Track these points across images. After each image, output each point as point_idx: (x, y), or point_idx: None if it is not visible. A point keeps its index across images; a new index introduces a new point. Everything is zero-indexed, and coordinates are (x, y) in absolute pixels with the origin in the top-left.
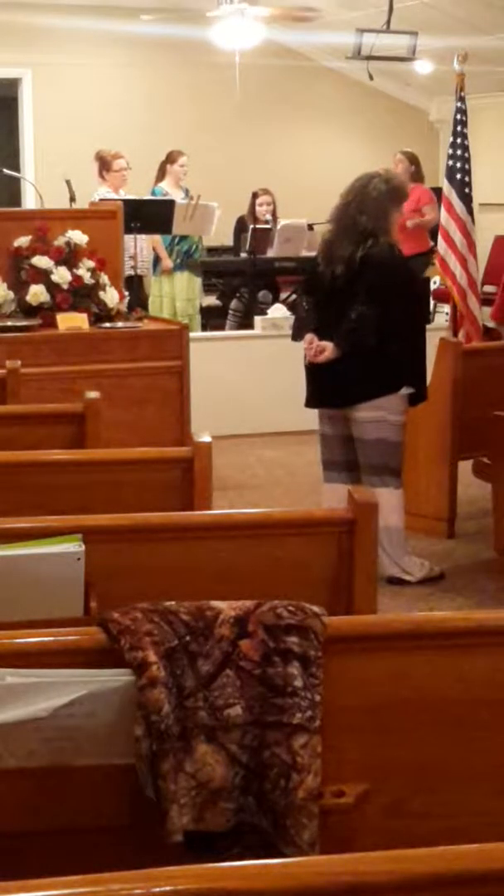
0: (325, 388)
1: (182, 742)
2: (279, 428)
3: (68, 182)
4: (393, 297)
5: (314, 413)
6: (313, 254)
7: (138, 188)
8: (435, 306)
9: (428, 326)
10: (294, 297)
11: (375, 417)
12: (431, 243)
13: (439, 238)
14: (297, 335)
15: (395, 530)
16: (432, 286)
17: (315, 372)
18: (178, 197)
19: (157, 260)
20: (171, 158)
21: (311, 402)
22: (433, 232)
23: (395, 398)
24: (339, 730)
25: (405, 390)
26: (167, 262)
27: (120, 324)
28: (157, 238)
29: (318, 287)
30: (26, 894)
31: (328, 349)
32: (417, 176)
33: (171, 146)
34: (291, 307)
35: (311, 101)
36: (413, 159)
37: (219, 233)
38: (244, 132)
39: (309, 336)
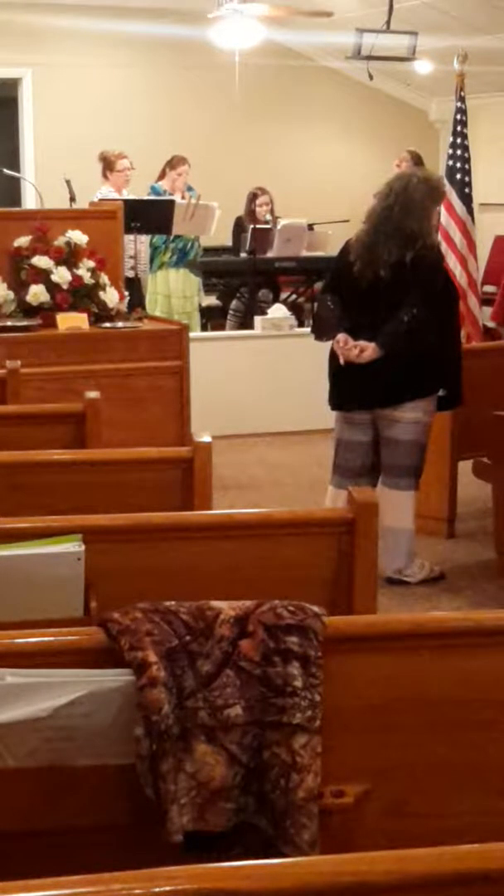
0: (360, 388)
1: (182, 742)
2: (279, 428)
3: (68, 182)
4: (442, 300)
5: (314, 413)
6: (314, 253)
7: (138, 188)
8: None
9: (461, 330)
10: (294, 296)
11: (415, 419)
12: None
13: (439, 238)
14: (323, 334)
15: (407, 532)
16: None
17: (347, 373)
18: (178, 197)
19: (154, 259)
20: (171, 164)
21: (339, 404)
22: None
23: (433, 399)
24: (339, 730)
25: (441, 392)
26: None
27: (120, 324)
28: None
29: (350, 287)
30: (26, 894)
31: (370, 349)
32: None
33: (171, 146)
34: (292, 307)
35: (311, 101)
36: (417, 159)
37: (219, 233)
38: (244, 132)
39: (342, 336)
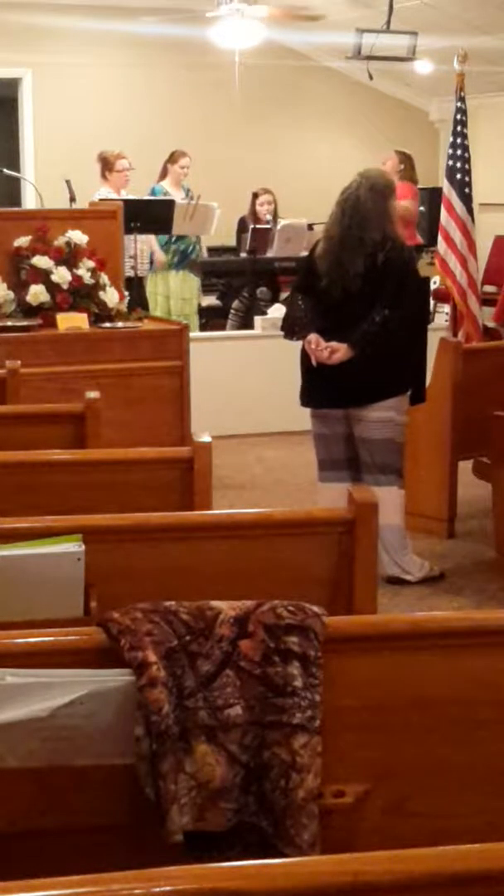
0: (332, 388)
1: (182, 742)
2: (279, 428)
3: (68, 182)
4: (411, 300)
5: None
6: None
7: (138, 188)
8: (435, 306)
9: (428, 326)
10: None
11: (385, 418)
12: (421, 240)
13: (439, 238)
14: (292, 333)
15: (397, 529)
16: (432, 286)
17: (320, 372)
18: (178, 196)
19: (153, 257)
20: (173, 158)
21: (311, 402)
22: (433, 232)
23: (404, 399)
24: (339, 730)
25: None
26: (160, 255)
27: (120, 324)
28: (152, 236)
29: (320, 294)
30: (26, 894)
31: (342, 350)
32: (406, 175)
33: (171, 146)
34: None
35: (311, 101)
36: (404, 159)
37: (219, 233)
38: (244, 132)
39: (313, 337)
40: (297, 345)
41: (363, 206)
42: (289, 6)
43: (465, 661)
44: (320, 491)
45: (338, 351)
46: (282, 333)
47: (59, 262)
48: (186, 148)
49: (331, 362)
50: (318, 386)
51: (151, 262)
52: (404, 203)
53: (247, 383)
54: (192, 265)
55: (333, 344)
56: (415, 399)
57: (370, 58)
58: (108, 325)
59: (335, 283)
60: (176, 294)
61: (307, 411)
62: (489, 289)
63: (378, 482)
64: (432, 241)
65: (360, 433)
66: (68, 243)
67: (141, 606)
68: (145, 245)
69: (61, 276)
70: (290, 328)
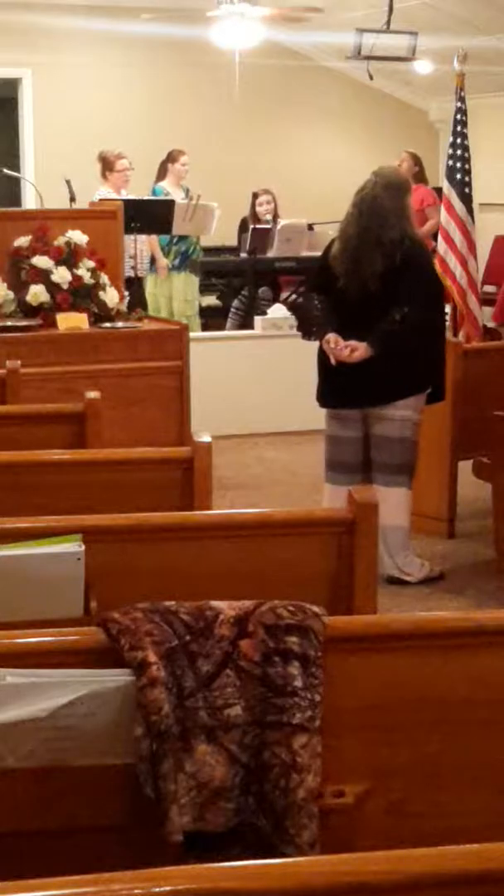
0: (351, 387)
1: (182, 742)
2: (279, 428)
3: (68, 182)
4: (428, 299)
5: (314, 413)
6: (314, 253)
7: (138, 188)
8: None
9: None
10: (294, 296)
11: (404, 416)
12: (433, 243)
13: (439, 238)
14: (309, 334)
15: (401, 530)
16: None
17: (339, 372)
18: (178, 197)
19: (153, 259)
20: (172, 157)
21: (329, 402)
22: (433, 233)
23: (422, 397)
24: (339, 730)
25: (428, 389)
26: (162, 262)
27: (120, 324)
28: (154, 238)
29: (337, 293)
30: (26, 894)
31: (361, 349)
32: (421, 176)
33: (171, 146)
34: (291, 307)
35: (311, 101)
36: (417, 160)
37: (219, 233)
38: (244, 132)
39: (332, 336)
40: (297, 346)
41: (380, 205)
42: (289, 6)
43: (465, 661)
44: (326, 492)
45: (357, 349)
46: (299, 334)
47: (59, 262)
48: (186, 148)
49: (351, 361)
50: (337, 386)
51: (152, 263)
52: (429, 211)
53: (247, 383)
54: (192, 265)
55: (353, 343)
56: (433, 398)
57: (370, 58)
58: (107, 325)
59: (353, 283)
60: (178, 295)
61: (308, 411)
62: (489, 289)
63: (387, 482)
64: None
65: (379, 432)
66: (68, 243)
67: (141, 606)
68: (145, 245)
69: (61, 276)
70: (308, 328)
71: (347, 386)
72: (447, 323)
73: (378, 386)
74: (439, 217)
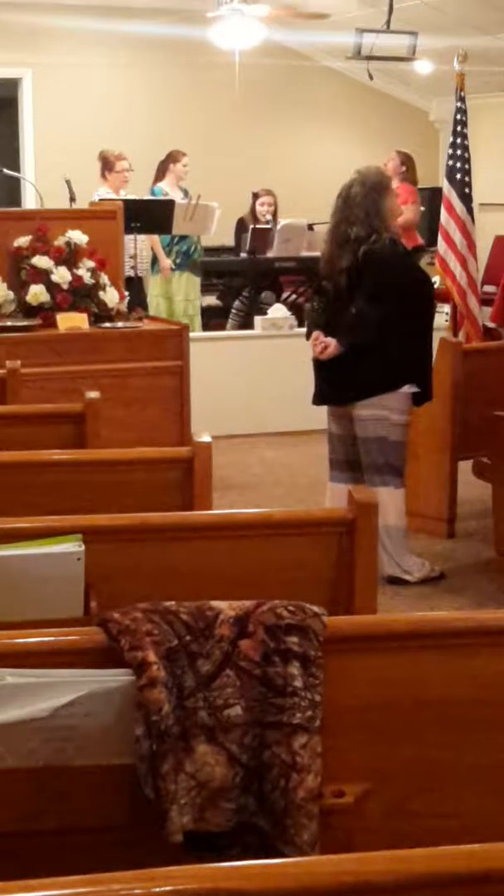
0: (329, 385)
1: (182, 742)
2: (279, 428)
3: (68, 182)
4: (393, 295)
5: (315, 413)
6: (314, 253)
7: (137, 188)
8: (435, 306)
9: (433, 325)
10: (294, 297)
11: (376, 416)
12: (421, 241)
13: (439, 238)
14: (308, 334)
15: (395, 529)
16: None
17: (321, 369)
18: (177, 197)
19: (155, 260)
20: (173, 158)
21: (316, 399)
22: (433, 232)
23: (397, 397)
24: (339, 730)
25: (408, 389)
26: (165, 263)
27: (120, 324)
28: (156, 238)
29: (322, 290)
30: (26, 894)
31: (332, 345)
32: (407, 177)
33: (171, 146)
34: (292, 307)
35: (311, 101)
36: (406, 160)
37: (219, 233)
38: (244, 132)
39: (315, 333)
40: (297, 346)
41: (352, 202)
42: (289, 6)
43: (465, 661)
44: (328, 490)
45: (329, 346)
46: (301, 333)
47: (59, 262)
48: (186, 148)
49: (322, 357)
50: (318, 383)
51: (153, 263)
52: (406, 210)
53: (247, 383)
54: (193, 265)
55: (326, 339)
56: (420, 399)
57: (370, 58)
58: (107, 325)
59: (329, 280)
60: (179, 295)
61: (308, 411)
62: (489, 289)
63: (373, 483)
64: (432, 242)
65: (357, 432)
66: (68, 243)
67: (141, 606)
68: (145, 245)
69: (61, 276)
70: (307, 329)
71: (327, 383)
72: (446, 323)
73: (346, 384)
74: (414, 214)
